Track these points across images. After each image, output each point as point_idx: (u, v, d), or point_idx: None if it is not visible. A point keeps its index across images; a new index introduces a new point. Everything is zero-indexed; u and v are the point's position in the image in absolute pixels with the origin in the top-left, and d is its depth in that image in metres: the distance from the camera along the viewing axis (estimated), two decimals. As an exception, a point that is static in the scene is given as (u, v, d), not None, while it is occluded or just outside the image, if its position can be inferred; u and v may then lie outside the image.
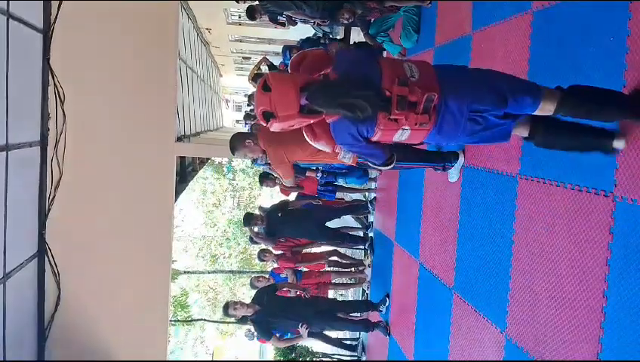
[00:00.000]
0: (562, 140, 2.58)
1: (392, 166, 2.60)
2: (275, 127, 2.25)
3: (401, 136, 2.28)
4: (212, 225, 27.99)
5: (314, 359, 9.03)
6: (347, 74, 2.23)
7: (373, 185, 7.38)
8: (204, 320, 23.85)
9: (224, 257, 27.43)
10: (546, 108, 2.37)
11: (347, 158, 2.93)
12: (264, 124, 2.28)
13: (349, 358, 7.95)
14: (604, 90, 2.46)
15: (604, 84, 2.61)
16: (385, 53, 6.68)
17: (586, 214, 2.79)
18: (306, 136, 2.61)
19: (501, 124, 2.36)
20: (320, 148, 2.68)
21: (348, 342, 7.83)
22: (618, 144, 2.52)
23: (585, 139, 2.56)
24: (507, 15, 3.67)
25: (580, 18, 2.90)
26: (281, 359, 9.33)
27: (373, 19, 5.95)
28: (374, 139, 2.30)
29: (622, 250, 2.52)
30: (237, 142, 4.02)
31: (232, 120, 31.01)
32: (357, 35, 7.76)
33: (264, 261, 7.04)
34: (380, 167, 2.65)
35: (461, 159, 4.34)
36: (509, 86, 2.32)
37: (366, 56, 2.33)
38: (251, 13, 6.26)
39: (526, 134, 2.57)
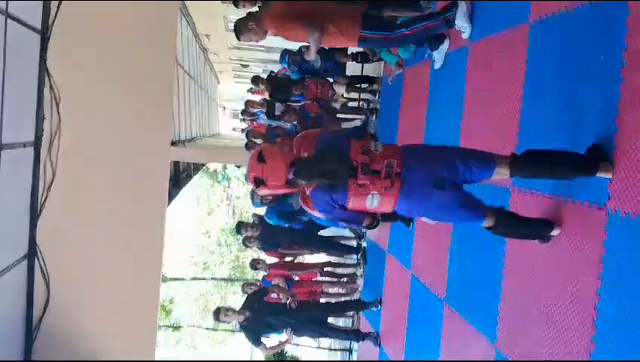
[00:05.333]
0: (519, 230, 2.95)
1: (376, 227, 3.03)
2: (263, 192, 2.76)
3: (372, 201, 2.67)
4: (204, 232, 27.89)
5: None
6: (323, 151, 2.72)
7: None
8: (195, 326, 23.70)
9: (215, 264, 27.32)
10: (501, 173, 2.70)
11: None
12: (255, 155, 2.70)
13: None
14: (556, 151, 2.71)
15: (600, 99, 2.63)
16: (382, 64, 6.70)
17: (578, 227, 2.78)
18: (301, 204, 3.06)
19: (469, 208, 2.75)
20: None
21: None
22: (555, 231, 2.89)
23: (531, 227, 2.93)
24: (504, 27, 3.68)
25: (578, 29, 2.92)
26: None
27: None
28: (348, 205, 2.71)
29: (614, 263, 2.51)
30: (241, 26, 3.96)
31: (229, 126, 30.91)
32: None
33: (257, 270, 6.99)
34: (365, 229, 3.24)
35: (446, 44, 4.15)
36: (463, 157, 2.69)
37: (339, 138, 2.79)
38: None
39: (490, 224, 2.83)
